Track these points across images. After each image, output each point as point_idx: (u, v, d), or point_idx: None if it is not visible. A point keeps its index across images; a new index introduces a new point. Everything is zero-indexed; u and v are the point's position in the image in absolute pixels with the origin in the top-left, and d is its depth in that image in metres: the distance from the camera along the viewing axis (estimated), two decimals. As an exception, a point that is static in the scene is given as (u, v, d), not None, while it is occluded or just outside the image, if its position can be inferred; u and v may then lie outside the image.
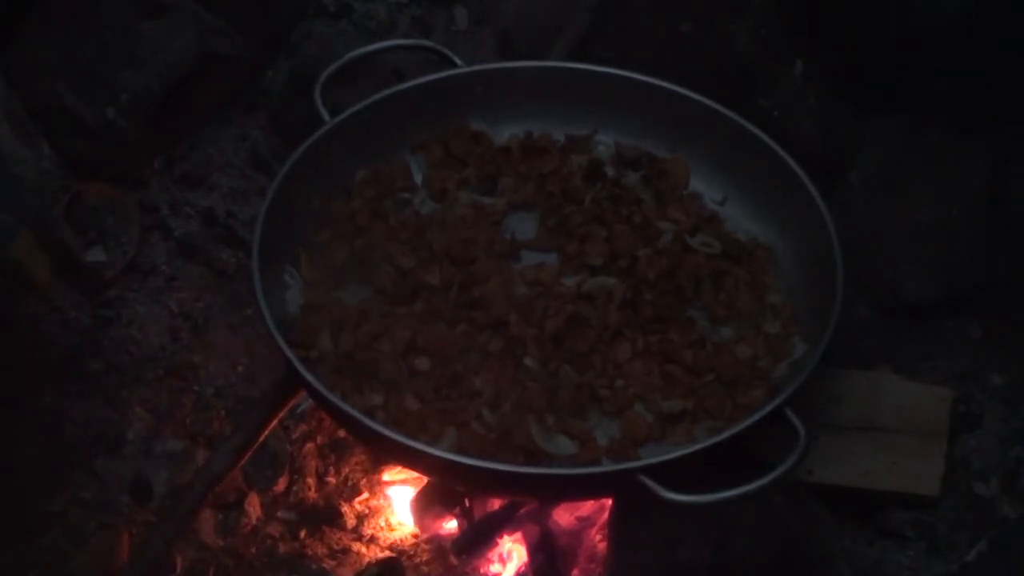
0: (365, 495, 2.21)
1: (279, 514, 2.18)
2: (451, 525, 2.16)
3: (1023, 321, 2.27)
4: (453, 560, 2.13)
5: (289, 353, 1.89)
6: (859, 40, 2.27)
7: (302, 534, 2.16)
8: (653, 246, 2.12)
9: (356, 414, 1.85)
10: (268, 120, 2.52)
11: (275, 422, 2.07)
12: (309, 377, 1.88)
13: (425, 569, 2.13)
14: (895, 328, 2.29)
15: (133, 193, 2.43)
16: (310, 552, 2.14)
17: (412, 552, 2.15)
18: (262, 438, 2.05)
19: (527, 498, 2.05)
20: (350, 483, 2.21)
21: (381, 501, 2.20)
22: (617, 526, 2.00)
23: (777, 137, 2.17)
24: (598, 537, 2.09)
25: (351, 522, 2.18)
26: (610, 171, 2.22)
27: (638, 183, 2.22)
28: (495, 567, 2.11)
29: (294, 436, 2.22)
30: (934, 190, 2.28)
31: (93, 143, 2.38)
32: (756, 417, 1.87)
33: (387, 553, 2.14)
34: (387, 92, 2.21)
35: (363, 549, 2.15)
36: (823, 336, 1.94)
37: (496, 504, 2.11)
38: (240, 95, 2.53)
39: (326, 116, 2.16)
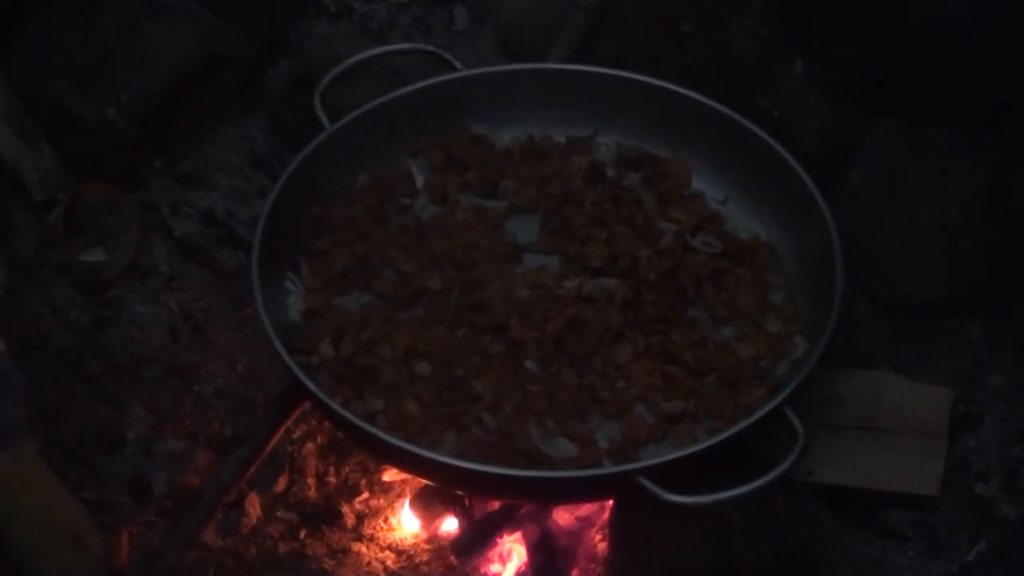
0: (365, 495, 2.21)
1: (279, 514, 2.18)
2: (451, 525, 2.16)
3: (1023, 321, 2.27)
4: (453, 560, 2.13)
5: (289, 361, 1.90)
6: (859, 40, 2.27)
7: (302, 534, 2.17)
8: (654, 247, 2.12)
9: (357, 421, 1.86)
10: (268, 120, 2.52)
11: (282, 431, 2.08)
12: (310, 384, 1.88)
13: (425, 569, 2.13)
14: (895, 328, 2.29)
15: (133, 193, 2.43)
16: (310, 552, 2.15)
17: (412, 552, 2.15)
18: (269, 448, 2.06)
19: (527, 501, 2.05)
20: (350, 483, 2.21)
21: (381, 501, 2.20)
22: (617, 526, 2.00)
23: (777, 137, 2.17)
24: (598, 537, 2.09)
25: (351, 522, 2.18)
26: (611, 172, 2.22)
27: (639, 184, 2.22)
28: (495, 567, 2.11)
29: (294, 436, 2.22)
30: (934, 190, 2.28)
31: (93, 143, 2.38)
32: (754, 417, 1.88)
33: (387, 553, 2.15)
34: (387, 97, 2.22)
35: (363, 549, 2.16)
36: (823, 334, 1.94)
37: (496, 504, 2.11)
38: (240, 95, 2.53)
39: (326, 123, 2.16)
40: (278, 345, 1.90)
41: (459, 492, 2.10)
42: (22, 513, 1.73)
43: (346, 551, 2.15)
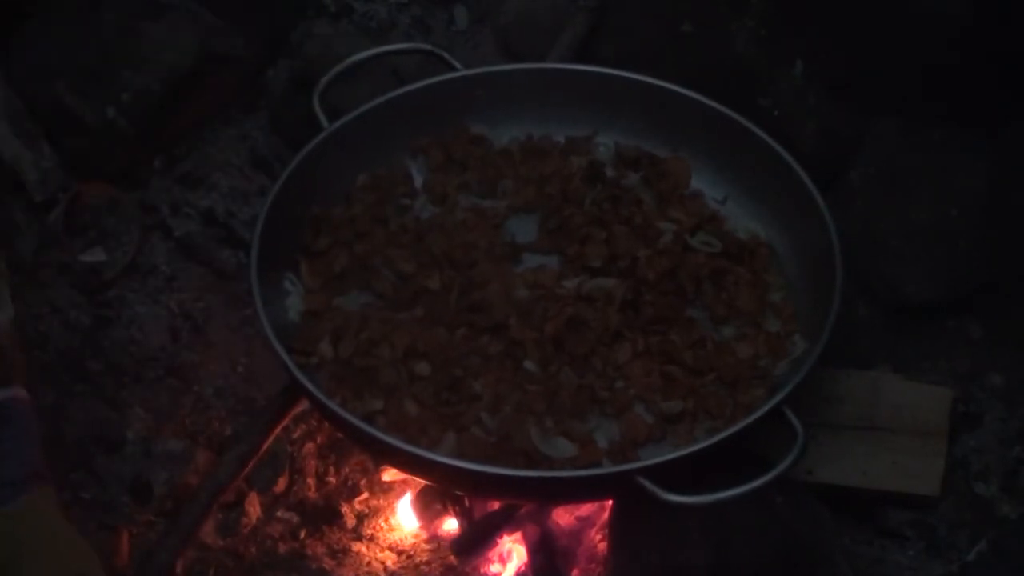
0: (365, 495, 2.21)
1: (279, 514, 2.18)
2: (451, 525, 2.16)
3: (1023, 321, 2.27)
4: (453, 560, 2.13)
5: (288, 362, 1.90)
6: (859, 40, 2.27)
7: (302, 534, 2.17)
8: (653, 246, 2.12)
9: (356, 421, 1.86)
10: (268, 120, 2.52)
11: (278, 430, 2.08)
12: (309, 385, 1.88)
13: (425, 569, 2.13)
14: (895, 328, 2.29)
15: (133, 193, 2.43)
16: (310, 552, 2.15)
17: (412, 552, 2.16)
18: (266, 446, 2.06)
19: (526, 501, 2.05)
20: (350, 483, 2.22)
21: (381, 501, 2.20)
22: (617, 526, 2.00)
23: (777, 137, 2.17)
24: (598, 537, 2.09)
25: (351, 522, 2.18)
26: (610, 172, 2.22)
27: (638, 183, 2.22)
28: (495, 567, 2.12)
29: (294, 436, 2.22)
30: (934, 190, 2.28)
31: (93, 143, 2.38)
32: (753, 417, 1.88)
33: (387, 553, 2.15)
34: (386, 97, 2.21)
35: (363, 549, 2.16)
36: (822, 334, 1.94)
37: (496, 504, 2.11)
38: (240, 95, 2.53)
39: (325, 123, 2.16)
40: (277, 346, 1.90)
41: (458, 492, 2.10)
42: (29, 563, 1.72)
43: (346, 551, 2.16)
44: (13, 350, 1.82)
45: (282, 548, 2.15)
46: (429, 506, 2.17)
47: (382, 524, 2.19)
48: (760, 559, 1.94)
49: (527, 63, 2.34)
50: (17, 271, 2.30)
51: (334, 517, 2.19)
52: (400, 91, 2.23)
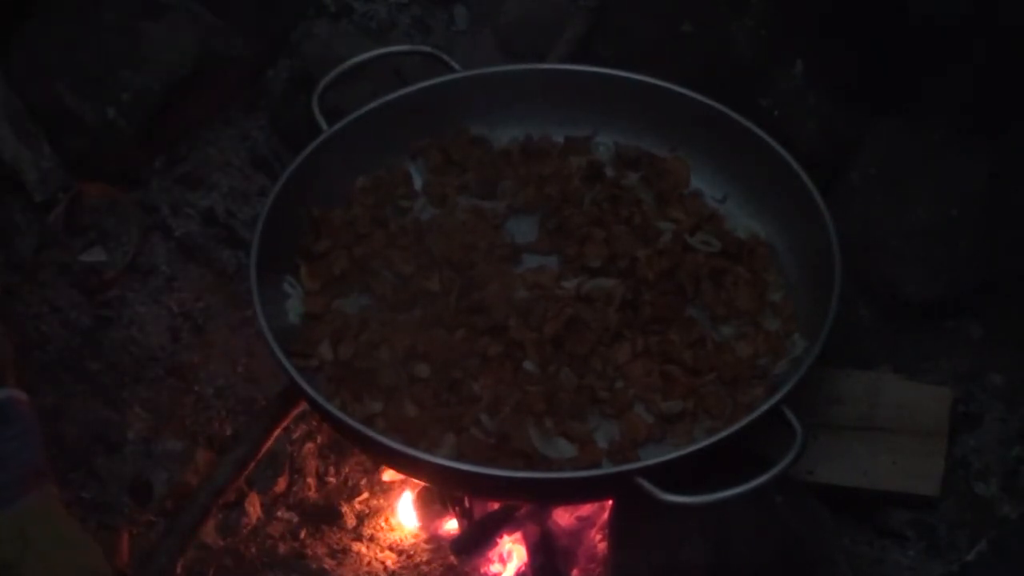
0: (365, 495, 2.21)
1: (279, 514, 2.18)
2: (451, 525, 2.16)
3: (1023, 321, 2.26)
4: (453, 560, 2.13)
5: (288, 365, 1.90)
6: (859, 40, 2.27)
7: (302, 534, 2.17)
8: (653, 246, 2.12)
9: (355, 424, 1.85)
10: (268, 120, 2.52)
11: (278, 431, 2.08)
12: (308, 388, 1.88)
13: (425, 569, 2.13)
14: (895, 328, 2.29)
15: (133, 193, 2.43)
16: (310, 552, 2.15)
17: (412, 552, 2.16)
18: (265, 448, 2.06)
19: (526, 502, 2.05)
20: (350, 483, 2.22)
21: (381, 501, 2.20)
22: (617, 526, 2.00)
23: (777, 137, 2.17)
24: (598, 537, 2.09)
25: (351, 522, 2.18)
26: (610, 172, 2.22)
27: (638, 183, 2.22)
28: (495, 567, 2.12)
29: (294, 436, 2.22)
30: (934, 190, 2.28)
31: (93, 143, 2.39)
32: (752, 416, 1.87)
33: (387, 553, 2.15)
34: (385, 99, 2.21)
35: (363, 549, 2.16)
36: (821, 332, 1.94)
37: (496, 504, 2.11)
38: (240, 95, 2.53)
39: (324, 125, 2.16)
40: (276, 349, 1.90)
41: (458, 493, 2.10)
42: (37, 560, 1.73)
43: (346, 551, 2.16)
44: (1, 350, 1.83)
45: (282, 548, 2.15)
46: (429, 506, 2.17)
47: (382, 524, 2.19)
48: (760, 559, 1.94)
49: (527, 63, 2.34)
50: (17, 271, 2.30)
51: (334, 517, 2.19)
52: (399, 92, 2.23)
